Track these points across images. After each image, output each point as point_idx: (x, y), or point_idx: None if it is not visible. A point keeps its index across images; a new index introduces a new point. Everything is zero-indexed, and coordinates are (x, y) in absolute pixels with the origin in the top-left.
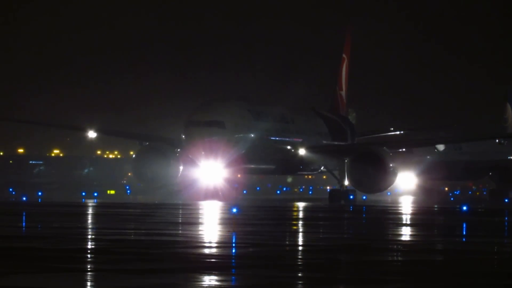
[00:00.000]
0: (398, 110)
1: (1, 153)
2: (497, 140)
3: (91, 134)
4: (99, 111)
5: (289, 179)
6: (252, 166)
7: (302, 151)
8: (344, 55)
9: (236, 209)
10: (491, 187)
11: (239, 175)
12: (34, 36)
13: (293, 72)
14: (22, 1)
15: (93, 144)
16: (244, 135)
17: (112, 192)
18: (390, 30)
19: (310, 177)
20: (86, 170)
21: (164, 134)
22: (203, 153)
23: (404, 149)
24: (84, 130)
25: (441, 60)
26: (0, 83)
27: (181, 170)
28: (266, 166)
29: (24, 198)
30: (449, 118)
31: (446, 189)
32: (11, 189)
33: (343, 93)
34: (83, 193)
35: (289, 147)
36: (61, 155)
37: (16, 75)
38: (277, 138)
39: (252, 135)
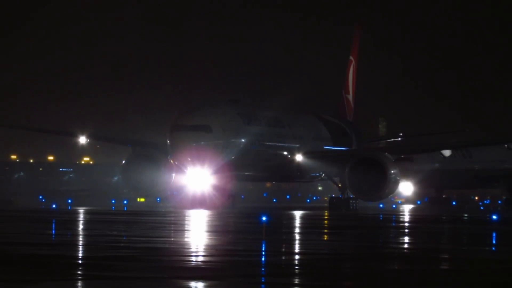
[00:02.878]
0: (410, 116)
1: (31, 161)
2: (506, 146)
3: (82, 140)
4: (95, 120)
5: (320, 187)
6: (244, 173)
7: (298, 157)
8: (351, 57)
9: (266, 217)
10: (504, 196)
11: (229, 182)
12: (36, 45)
13: (296, 75)
14: (20, 16)
15: (123, 152)
16: (234, 140)
17: (142, 199)
18: (399, 30)
19: (340, 185)
20: (115, 178)
21: (157, 140)
22: (189, 159)
23: (409, 155)
24: (75, 136)
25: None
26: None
27: (173, 177)
28: (260, 173)
29: (54, 206)
30: (461, 125)
31: (476, 198)
32: (41, 197)
33: (350, 96)
34: (113, 201)
35: (284, 153)
36: (91, 162)
37: (16, 82)
38: (271, 143)
39: (243, 140)
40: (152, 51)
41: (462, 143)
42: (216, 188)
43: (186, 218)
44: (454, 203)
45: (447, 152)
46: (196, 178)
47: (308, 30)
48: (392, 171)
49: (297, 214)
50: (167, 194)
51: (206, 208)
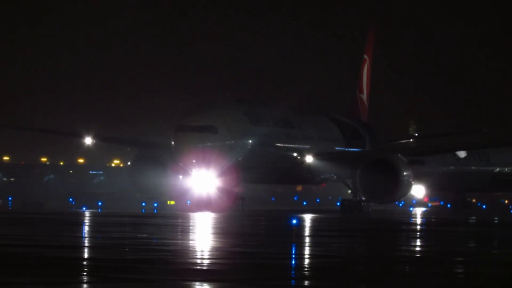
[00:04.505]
0: (427, 116)
1: (62, 163)
2: None
3: (88, 141)
4: (105, 122)
5: (349, 191)
6: (251, 175)
7: (309, 159)
8: (365, 56)
9: (296, 220)
10: None
11: (236, 185)
12: (45, 49)
13: (307, 74)
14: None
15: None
16: (240, 141)
17: (172, 202)
18: (415, 25)
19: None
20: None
21: (165, 141)
22: (194, 161)
23: (420, 157)
24: (81, 137)
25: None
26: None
27: (180, 179)
28: (267, 175)
29: (84, 208)
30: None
31: (506, 201)
32: (71, 199)
33: (364, 96)
34: (143, 204)
35: (294, 154)
36: (121, 165)
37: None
38: (279, 144)
39: (250, 141)
40: (160, 53)
41: (478, 144)
42: (222, 190)
43: (191, 221)
44: (484, 206)
45: (462, 154)
46: (202, 181)
47: (321, 28)
48: (404, 173)
49: (307, 217)
50: (172, 197)
51: (212, 211)
